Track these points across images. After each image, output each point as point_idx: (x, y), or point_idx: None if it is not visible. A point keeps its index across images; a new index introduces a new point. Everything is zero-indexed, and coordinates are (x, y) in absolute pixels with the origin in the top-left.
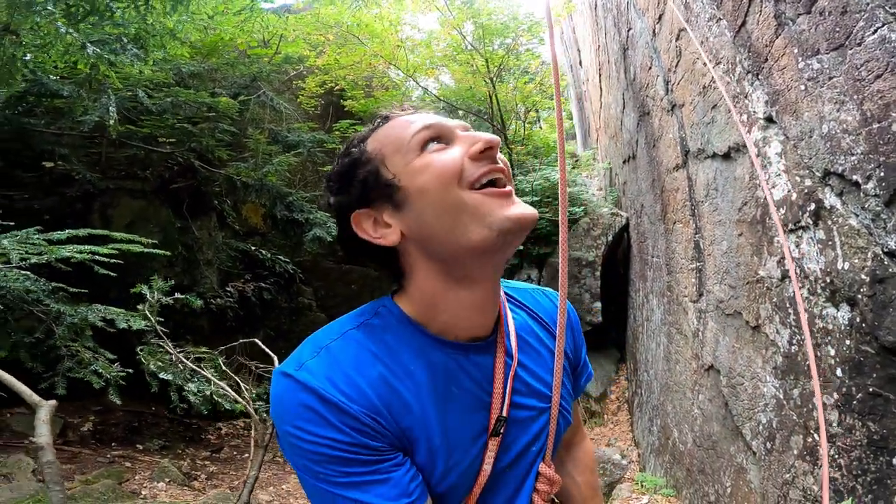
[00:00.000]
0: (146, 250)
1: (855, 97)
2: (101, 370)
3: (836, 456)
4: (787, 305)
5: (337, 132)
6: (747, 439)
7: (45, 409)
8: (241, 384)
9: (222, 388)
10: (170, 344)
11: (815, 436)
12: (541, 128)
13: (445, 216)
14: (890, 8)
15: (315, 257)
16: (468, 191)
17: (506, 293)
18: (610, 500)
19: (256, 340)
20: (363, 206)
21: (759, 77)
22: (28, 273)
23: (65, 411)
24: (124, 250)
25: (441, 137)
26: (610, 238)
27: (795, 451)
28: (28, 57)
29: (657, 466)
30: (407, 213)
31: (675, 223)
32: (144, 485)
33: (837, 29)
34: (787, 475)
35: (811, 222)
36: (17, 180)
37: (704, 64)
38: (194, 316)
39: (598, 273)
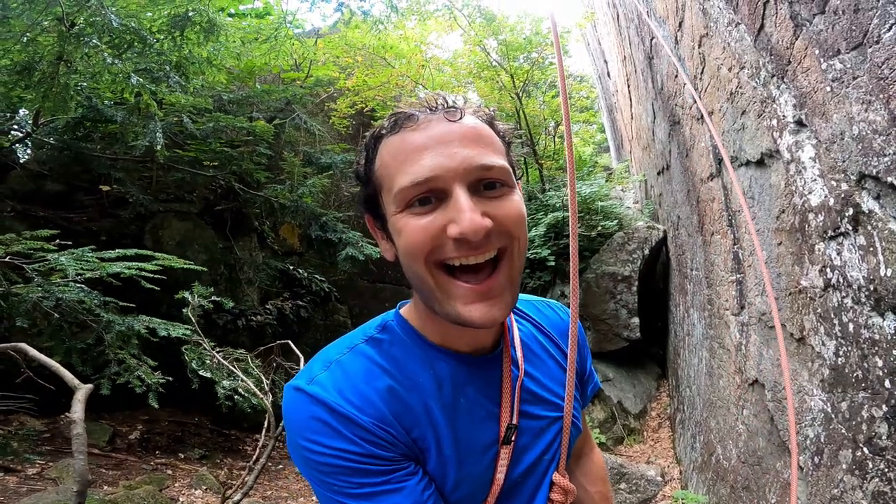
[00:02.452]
0: (190, 267)
1: (881, 96)
2: (143, 376)
3: (887, 469)
4: (832, 316)
5: None
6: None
7: (83, 390)
8: (263, 378)
9: (247, 384)
10: (207, 342)
11: (865, 449)
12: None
13: (413, 279)
14: None
15: (350, 276)
16: (435, 269)
17: None
18: None
19: (288, 342)
20: (366, 211)
21: (785, 80)
22: (82, 286)
23: (114, 420)
24: (167, 267)
25: (433, 194)
26: (646, 252)
27: (844, 466)
28: (84, 84)
29: (699, 483)
30: (397, 247)
31: (712, 234)
32: (183, 492)
33: (853, 28)
34: (836, 490)
35: (850, 228)
36: (78, 203)
37: (729, 70)
38: (236, 332)
39: (634, 288)
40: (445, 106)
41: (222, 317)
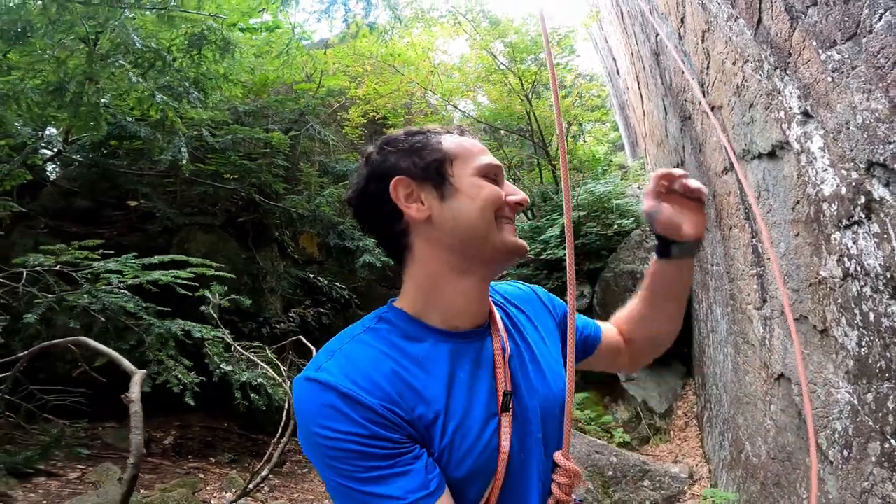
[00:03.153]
0: (221, 274)
1: (880, 85)
2: (179, 375)
3: None
4: (853, 306)
5: None
6: (823, 448)
7: (139, 374)
8: (281, 366)
9: (268, 371)
10: (228, 334)
11: (893, 441)
12: (584, 141)
13: (478, 223)
14: None
15: (368, 283)
16: (497, 218)
17: None
18: None
19: (301, 338)
20: (412, 177)
21: (787, 72)
22: (125, 292)
23: (149, 426)
24: (199, 274)
25: (496, 176)
26: None
27: (873, 458)
28: (105, 100)
29: (729, 481)
30: (446, 205)
31: (731, 228)
32: (214, 495)
33: (846, 18)
34: (866, 483)
35: (864, 216)
36: (107, 218)
37: (733, 64)
38: (260, 339)
39: None
40: (464, 129)
41: (247, 325)
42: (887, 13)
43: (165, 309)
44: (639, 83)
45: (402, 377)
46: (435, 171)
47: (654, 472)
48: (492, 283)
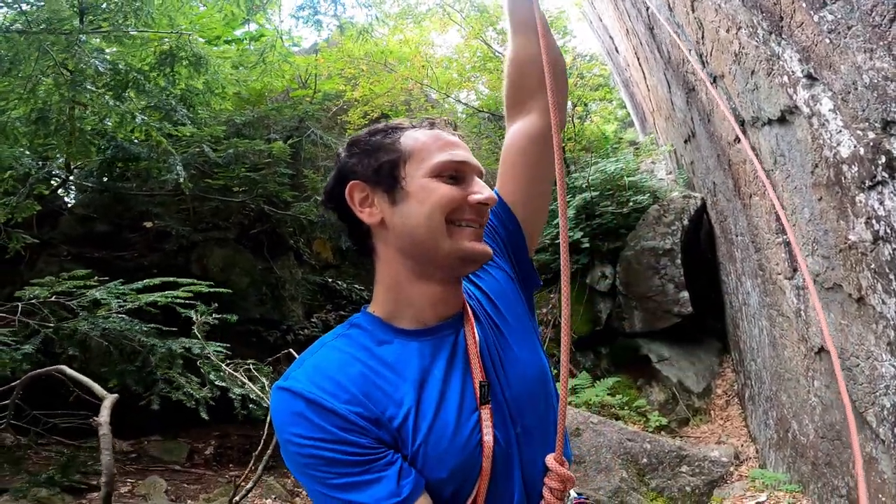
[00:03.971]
0: (216, 290)
1: (881, 44)
2: (192, 391)
3: None
4: (888, 271)
5: None
6: (873, 426)
7: (109, 399)
8: (266, 383)
9: (254, 390)
10: (215, 354)
11: None
12: (592, 121)
13: (424, 229)
14: None
15: None
16: (449, 224)
17: None
18: (711, 500)
19: (291, 351)
20: (365, 181)
21: (783, 36)
22: (123, 316)
23: (190, 438)
24: (197, 292)
25: (457, 173)
26: (685, 222)
27: None
28: (95, 126)
29: (778, 461)
30: (397, 209)
31: (751, 196)
32: (255, 501)
33: None
34: None
35: (887, 175)
36: (125, 241)
37: (727, 31)
38: (286, 346)
39: (678, 261)
40: (447, 122)
41: (272, 333)
42: None
43: (172, 329)
44: (638, 59)
45: (370, 379)
46: (387, 174)
47: (692, 456)
48: None
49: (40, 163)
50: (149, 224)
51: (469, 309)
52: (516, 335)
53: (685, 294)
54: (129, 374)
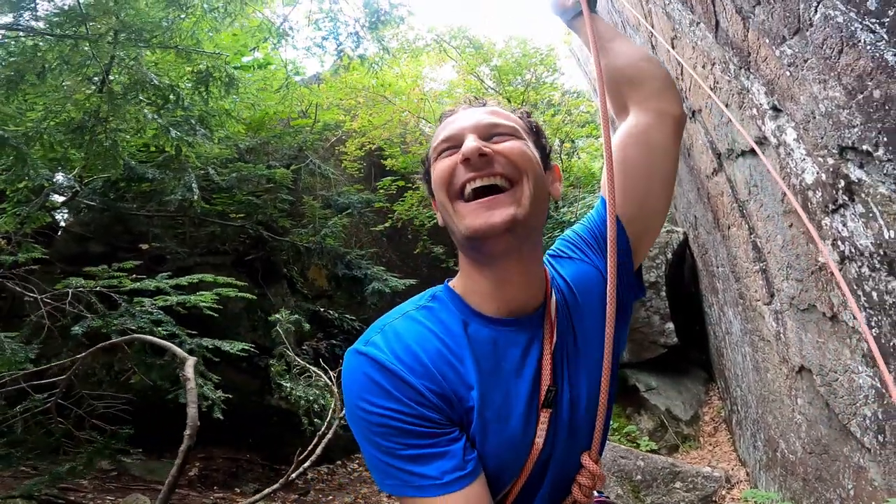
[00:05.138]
0: (242, 294)
1: (832, 74)
2: (208, 393)
3: None
4: (855, 287)
5: (381, 191)
6: (858, 436)
7: (191, 360)
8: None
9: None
10: (292, 351)
11: None
12: (579, 157)
13: (443, 211)
14: None
15: (379, 313)
16: (455, 197)
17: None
18: None
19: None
20: (425, 179)
21: (751, 70)
22: (161, 312)
23: (174, 458)
24: (223, 295)
25: (453, 143)
26: (669, 256)
27: None
28: (119, 139)
29: (769, 481)
30: (435, 202)
31: (729, 228)
32: None
33: (787, 14)
34: None
35: (847, 199)
36: (120, 262)
37: (703, 67)
38: (277, 372)
39: (663, 293)
40: (476, 100)
41: (262, 360)
42: (821, 6)
43: (193, 332)
44: None
45: (445, 358)
46: (425, 170)
47: (684, 473)
48: (554, 262)
49: (53, 176)
50: (145, 246)
51: (552, 309)
52: (590, 340)
53: (670, 325)
54: (155, 369)
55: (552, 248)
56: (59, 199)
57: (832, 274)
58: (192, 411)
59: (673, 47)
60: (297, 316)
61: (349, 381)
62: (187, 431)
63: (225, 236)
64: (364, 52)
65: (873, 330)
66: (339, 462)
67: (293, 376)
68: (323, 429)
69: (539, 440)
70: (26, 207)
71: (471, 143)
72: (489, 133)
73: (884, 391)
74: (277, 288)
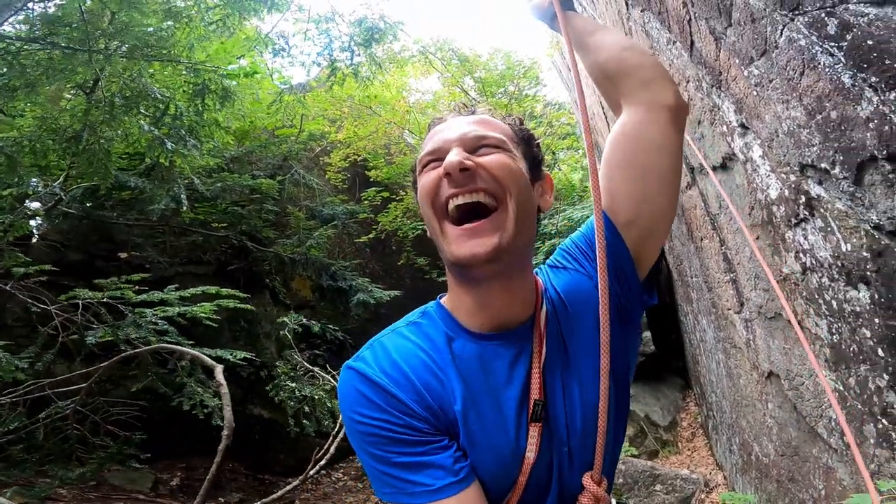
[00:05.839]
0: (241, 306)
1: (794, 94)
2: (205, 400)
3: None
4: (816, 297)
5: (366, 202)
6: (825, 438)
7: (220, 367)
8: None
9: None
10: (298, 354)
11: (884, 421)
12: (560, 169)
13: (430, 227)
14: (781, 11)
15: (363, 324)
16: (441, 215)
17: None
18: None
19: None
20: (415, 191)
21: (722, 89)
22: (164, 322)
23: (155, 469)
24: (224, 306)
25: (439, 157)
26: None
27: (872, 441)
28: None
29: (746, 484)
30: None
31: (702, 240)
32: None
33: (756, 36)
34: (872, 466)
35: (808, 214)
36: (98, 271)
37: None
38: (260, 381)
39: None
40: (465, 107)
41: (245, 370)
42: (785, 29)
43: (190, 342)
44: (603, 108)
45: (431, 371)
46: (414, 181)
47: (664, 475)
48: (551, 272)
49: (36, 184)
50: (124, 255)
51: (541, 321)
52: (583, 352)
53: (647, 334)
54: (157, 376)
55: (551, 258)
56: (37, 205)
57: (795, 284)
58: (227, 413)
59: None
60: (286, 323)
61: (342, 395)
62: (225, 431)
63: (207, 246)
64: (357, 65)
65: (833, 336)
66: (323, 472)
67: (298, 377)
68: (336, 429)
69: (530, 455)
70: (10, 216)
71: (453, 157)
72: (475, 145)
73: (847, 394)
74: (260, 298)
